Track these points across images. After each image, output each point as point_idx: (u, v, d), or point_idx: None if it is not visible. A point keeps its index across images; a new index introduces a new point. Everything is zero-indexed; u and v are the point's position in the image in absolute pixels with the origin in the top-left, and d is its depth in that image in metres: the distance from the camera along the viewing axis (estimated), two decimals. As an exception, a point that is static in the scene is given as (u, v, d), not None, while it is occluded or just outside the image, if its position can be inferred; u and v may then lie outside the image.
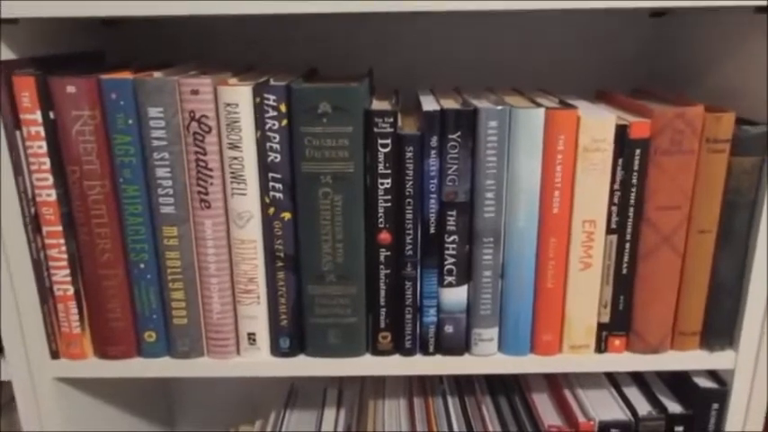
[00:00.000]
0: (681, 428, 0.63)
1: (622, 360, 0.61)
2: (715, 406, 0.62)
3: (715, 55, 0.65)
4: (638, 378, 0.69)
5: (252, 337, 0.60)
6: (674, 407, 0.63)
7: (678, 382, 0.65)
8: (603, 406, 0.65)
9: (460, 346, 0.60)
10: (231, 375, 0.61)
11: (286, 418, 0.77)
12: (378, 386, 0.76)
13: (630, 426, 0.63)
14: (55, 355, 0.60)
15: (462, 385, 0.74)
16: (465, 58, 0.78)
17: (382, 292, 0.58)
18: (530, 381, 0.72)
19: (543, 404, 0.68)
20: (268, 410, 0.79)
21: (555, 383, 0.70)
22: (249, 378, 0.87)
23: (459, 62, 0.78)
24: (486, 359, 0.60)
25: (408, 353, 0.60)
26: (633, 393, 0.66)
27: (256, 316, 0.59)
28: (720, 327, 0.60)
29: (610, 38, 0.77)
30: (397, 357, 0.61)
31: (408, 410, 0.70)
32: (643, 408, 0.64)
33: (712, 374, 0.64)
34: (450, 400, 0.71)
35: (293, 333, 0.60)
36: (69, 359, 0.60)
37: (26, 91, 0.53)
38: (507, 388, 0.72)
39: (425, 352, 0.60)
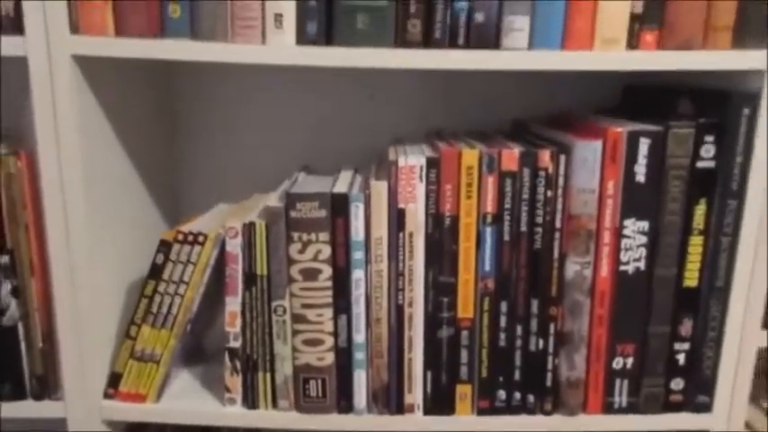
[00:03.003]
0: (711, 138, 0.62)
1: (654, 58, 0.60)
2: (746, 111, 0.61)
3: None
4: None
5: (279, 19, 0.58)
6: (704, 119, 0.62)
7: (709, 100, 0.64)
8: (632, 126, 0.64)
9: (491, 38, 0.59)
10: (255, 62, 0.59)
11: (300, 179, 0.75)
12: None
13: (659, 134, 0.62)
14: (75, 28, 0.58)
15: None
16: None
17: (414, -32, 0.57)
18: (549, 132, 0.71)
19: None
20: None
21: (576, 121, 0.69)
22: (258, 152, 0.85)
23: None
24: (517, 54, 0.59)
25: (437, 44, 0.59)
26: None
27: (284, -7, 0.58)
28: (755, 23, 0.59)
29: None
30: (425, 51, 0.59)
31: (431, 148, 0.69)
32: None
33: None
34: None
35: (322, 17, 0.58)
36: (89, 35, 0.58)
37: None
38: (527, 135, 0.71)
39: (455, 44, 0.59)
